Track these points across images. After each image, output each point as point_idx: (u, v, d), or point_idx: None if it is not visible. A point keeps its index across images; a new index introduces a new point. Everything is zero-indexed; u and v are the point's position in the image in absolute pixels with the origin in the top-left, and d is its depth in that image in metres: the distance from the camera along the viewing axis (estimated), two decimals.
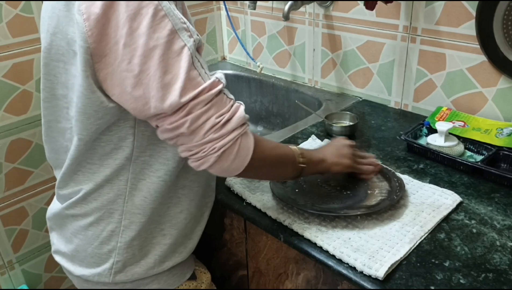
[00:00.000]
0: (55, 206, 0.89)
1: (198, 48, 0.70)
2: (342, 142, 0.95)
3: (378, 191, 0.91)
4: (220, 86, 0.69)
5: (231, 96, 0.72)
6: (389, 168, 0.99)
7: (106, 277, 0.83)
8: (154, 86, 0.65)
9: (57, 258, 0.92)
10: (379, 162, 0.98)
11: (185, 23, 0.66)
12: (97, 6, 0.62)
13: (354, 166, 0.93)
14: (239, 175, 0.75)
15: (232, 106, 0.71)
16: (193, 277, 0.94)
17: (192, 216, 0.88)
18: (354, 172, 0.94)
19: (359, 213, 0.84)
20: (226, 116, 0.69)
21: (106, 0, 0.62)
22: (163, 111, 0.66)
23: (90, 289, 0.89)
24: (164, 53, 0.64)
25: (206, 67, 0.70)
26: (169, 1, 0.65)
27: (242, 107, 0.72)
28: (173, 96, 0.65)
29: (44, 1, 0.74)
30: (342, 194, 0.93)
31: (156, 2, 0.63)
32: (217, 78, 0.69)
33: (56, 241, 0.91)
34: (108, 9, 0.62)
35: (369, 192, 0.92)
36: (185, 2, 0.75)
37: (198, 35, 0.69)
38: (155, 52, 0.63)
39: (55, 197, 0.90)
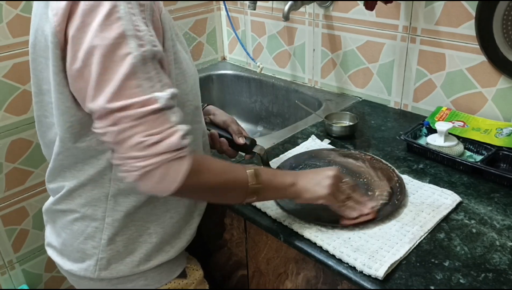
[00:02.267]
0: (48, 200, 0.91)
1: (159, 59, 0.68)
2: (329, 171, 0.83)
3: (379, 193, 0.91)
4: (155, 105, 0.64)
5: (173, 119, 0.67)
6: (389, 165, 0.99)
7: (92, 273, 0.84)
8: (91, 84, 0.64)
9: (49, 251, 0.94)
10: (375, 213, 0.84)
11: (140, 31, 0.64)
12: (63, 2, 0.63)
13: (330, 200, 0.82)
14: (176, 196, 0.70)
15: (167, 129, 0.65)
16: (183, 275, 0.94)
17: (181, 216, 0.88)
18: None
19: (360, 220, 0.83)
20: (155, 138, 0.64)
21: None
22: (93, 111, 0.65)
23: (80, 287, 0.91)
24: (106, 54, 0.62)
25: (159, 82, 0.66)
26: (132, 4, 0.64)
27: (179, 133, 0.66)
28: (102, 99, 0.63)
29: (33, 1, 0.75)
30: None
31: (115, 2, 0.62)
32: (155, 96, 0.65)
33: (49, 234, 0.93)
34: (72, 4, 0.63)
35: (369, 193, 0.92)
36: (183, 2, 0.74)
37: (155, 46, 0.66)
38: (97, 51, 0.63)
39: None
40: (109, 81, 0.63)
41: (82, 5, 0.62)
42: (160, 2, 0.72)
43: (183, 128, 0.67)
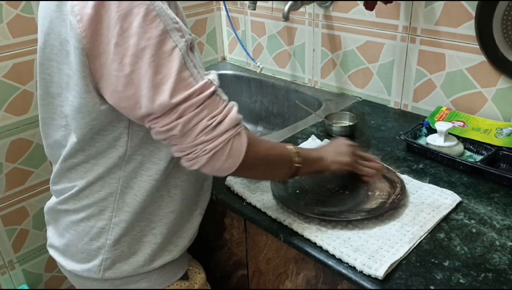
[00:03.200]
0: (51, 200, 0.90)
1: (191, 48, 0.70)
2: (342, 141, 0.94)
3: (379, 193, 0.91)
4: (212, 88, 0.68)
5: (225, 97, 0.72)
6: (390, 168, 0.99)
7: (96, 273, 0.84)
8: (145, 86, 0.65)
9: (51, 251, 0.93)
10: (383, 165, 0.97)
11: (177, 23, 0.66)
12: (89, 7, 0.63)
13: (354, 165, 0.92)
14: (232, 174, 0.75)
15: (225, 107, 0.70)
16: (185, 277, 0.94)
17: (182, 215, 0.89)
18: (355, 173, 0.93)
19: (359, 217, 0.84)
20: (218, 118, 0.68)
21: (98, 0, 0.62)
22: (153, 111, 0.66)
23: (83, 287, 0.90)
24: (155, 53, 0.64)
25: (200, 67, 0.69)
26: (162, 1, 0.65)
27: (235, 108, 0.72)
28: (163, 96, 0.65)
29: (39, 1, 0.75)
30: (343, 195, 0.93)
31: (148, 2, 0.63)
32: (209, 79, 0.69)
33: (51, 235, 0.93)
34: (100, 9, 0.63)
35: (369, 193, 0.92)
36: (183, 2, 0.75)
37: (190, 35, 0.69)
38: (146, 52, 0.63)
39: None
40: (166, 77, 0.65)
41: (115, 12, 0.62)
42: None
43: (235, 103, 0.72)
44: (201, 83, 0.67)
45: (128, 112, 0.69)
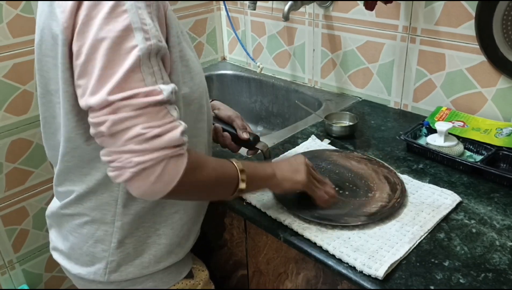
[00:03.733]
0: (53, 204, 0.90)
1: (162, 56, 0.67)
2: (299, 158, 0.87)
3: (379, 195, 0.91)
4: (159, 97, 0.62)
5: (175, 115, 0.65)
6: (391, 168, 0.99)
7: (101, 276, 0.84)
8: (94, 78, 0.61)
9: (55, 255, 0.93)
10: (335, 193, 0.90)
11: (146, 24, 0.63)
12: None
13: (308, 185, 0.85)
14: (166, 198, 0.66)
15: (169, 122, 0.63)
16: (190, 276, 0.94)
17: (189, 217, 0.88)
18: (307, 194, 0.88)
19: (359, 223, 0.83)
20: (156, 130, 0.61)
21: None
22: (90, 104, 0.62)
23: (87, 288, 0.90)
24: (112, 47, 0.61)
25: (161, 79, 0.65)
26: (141, 1, 0.63)
27: (181, 129, 0.64)
28: (103, 92, 0.60)
29: (40, 1, 0.75)
30: (343, 197, 0.93)
31: None
32: (159, 88, 0.63)
33: (54, 238, 0.92)
34: (79, 2, 0.62)
35: (369, 195, 0.92)
36: (183, 2, 0.74)
37: (161, 42, 0.65)
38: (103, 44, 0.61)
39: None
40: (113, 74, 0.61)
41: (87, 0, 0.61)
42: (166, 1, 0.71)
43: (183, 124, 0.66)
44: (149, 88, 0.62)
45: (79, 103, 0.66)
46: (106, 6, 0.61)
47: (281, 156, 1.08)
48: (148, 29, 0.63)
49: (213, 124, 0.98)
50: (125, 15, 0.61)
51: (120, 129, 0.61)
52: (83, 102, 0.63)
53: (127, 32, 0.61)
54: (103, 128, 0.61)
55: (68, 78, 0.68)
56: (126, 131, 0.61)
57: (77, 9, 0.63)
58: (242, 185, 0.76)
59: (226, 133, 0.98)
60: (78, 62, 0.63)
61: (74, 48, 0.64)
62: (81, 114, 0.71)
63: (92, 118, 0.63)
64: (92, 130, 0.64)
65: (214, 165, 0.74)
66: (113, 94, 0.60)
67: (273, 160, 0.97)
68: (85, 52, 0.62)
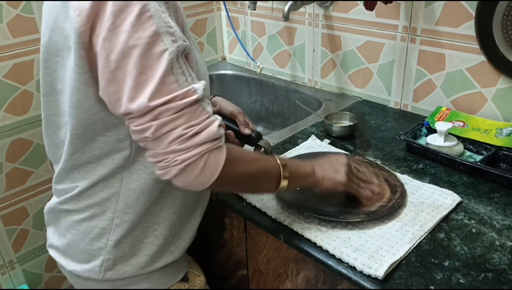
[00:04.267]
0: (51, 200, 0.90)
1: (186, 54, 0.69)
2: (342, 158, 0.88)
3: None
4: (195, 96, 0.65)
5: (209, 109, 0.68)
6: (392, 171, 0.99)
7: (96, 274, 0.84)
8: (128, 85, 0.64)
9: (51, 252, 0.93)
10: (381, 191, 0.90)
11: (171, 27, 0.65)
12: (88, 2, 0.63)
13: (349, 185, 0.86)
14: (209, 189, 0.71)
15: (206, 119, 0.67)
16: (185, 279, 0.94)
17: (183, 216, 0.89)
18: (351, 193, 0.89)
19: (358, 219, 0.84)
20: (196, 128, 0.65)
21: None
22: (131, 112, 0.64)
23: (82, 287, 0.90)
24: (143, 54, 0.63)
25: (190, 76, 0.67)
26: (159, 3, 0.65)
27: (217, 122, 0.68)
28: (143, 98, 0.63)
29: (40, 1, 0.75)
30: (343, 196, 0.93)
31: (144, 2, 0.63)
32: (193, 87, 0.66)
33: (51, 235, 0.92)
34: (97, 4, 0.63)
35: None
36: (183, 2, 0.74)
37: (185, 41, 0.67)
38: (134, 51, 0.62)
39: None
40: (149, 79, 0.63)
41: (110, 6, 0.62)
42: (178, 1, 0.72)
43: (219, 117, 0.69)
44: (183, 89, 0.65)
45: (110, 107, 0.69)
46: (132, 13, 0.62)
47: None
48: (174, 31, 0.65)
49: None
50: (151, 21, 0.63)
51: (164, 132, 0.64)
52: (121, 108, 0.65)
53: (155, 37, 0.63)
54: (147, 134, 0.65)
55: (86, 81, 0.69)
56: (169, 134, 0.64)
57: (95, 13, 0.63)
58: (284, 182, 0.79)
59: (229, 131, 0.99)
60: (106, 69, 0.64)
61: (101, 55, 0.64)
62: (97, 115, 0.72)
63: (135, 126, 0.66)
64: (135, 136, 0.68)
65: (254, 158, 0.77)
66: (153, 100, 0.63)
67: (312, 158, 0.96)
68: (114, 59, 0.63)
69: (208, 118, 0.67)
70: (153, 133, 0.64)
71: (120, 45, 0.62)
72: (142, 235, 0.84)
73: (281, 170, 0.78)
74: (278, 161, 0.79)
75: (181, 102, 0.64)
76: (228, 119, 1.00)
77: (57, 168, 0.84)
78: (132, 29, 0.62)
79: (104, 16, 0.63)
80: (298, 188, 0.88)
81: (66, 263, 0.88)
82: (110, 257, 0.83)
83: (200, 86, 0.67)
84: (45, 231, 1.45)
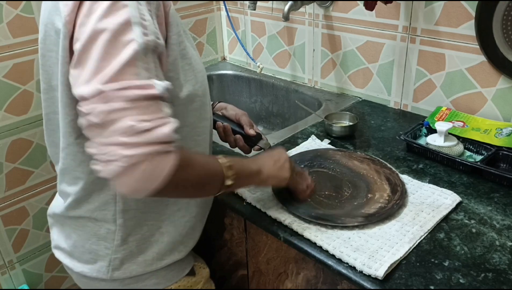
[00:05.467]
0: (56, 203, 0.90)
1: (159, 55, 0.67)
2: (282, 153, 0.88)
3: (379, 196, 0.91)
4: (152, 91, 0.62)
5: (167, 111, 0.64)
6: (393, 169, 0.98)
7: (104, 274, 0.84)
8: (88, 68, 0.61)
9: (57, 253, 0.93)
10: (313, 185, 0.92)
11: (145, 20, 0.64)
12: None
13: (293, 181, 0.87)
14: (152, 196, 0.64)
15: (160, 118, 0.62)
16: (192, 273, 0.94)
17: (192, 215, 0.88)
18: (290, 189, 0.90)
19: (356, 223, 0.83)
20: (147, 124, 0.60)
21: None
22: (84, 94, 0.61)
23: (90, 287, 0.90)
24: (110, 40, 0.61)
25: (155, 76, 0.64)
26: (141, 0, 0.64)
27: (173, 126, 0.63)
28: (96, 82, 0.60)
29: (40, 1, 0.75)
30: (343, 197, 0.93)
31: None
32: (154, 82, 0.63)
33: (56, 237, 0.92)
34: None
35: (369, 196, 0.92)
36: (183, 2, 0.74)
37: (159, 39, 0.66)
38: (102, 36, 0.61)
39: (56, 194, 0.91)
40: (108, 65, 0.60)
41: None
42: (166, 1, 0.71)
43: (176, 121, 0.64)
44: (142, 81, 0.61)
45: (72, 90, 0.66)
46: (108, 0, 0.61)
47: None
48: (147, 25, 0.64)
49: (222, 123, 1.00)
50: (125, 9, 0.62)
51: (110, 119, 0.59)
52: (75, 91, 0.63)
53: (126, 25, 0.61)
54: (92, 117, 0.60)
55: (67, 71, 0.67)
56: (116, 122, 0.59)
57: (79, 4, 0.63)
58: (228, 182, 0.75)
59: (238, 136, 0.99)
60: (76, 53, 0.63)
61: (76, 40, 0.63)
62: (76, 110, 0.69)
63: (81, 107, 0.62)
64: (81, 120, 0.63)
65: (202, 162, 0.73)
66: (106, 83, 0.60)
67: (254, 156, 0.95)
68: (82, 42, 0.62)
69: (163, 118, 0.62)
70: (97, 116, 0.59)
71: (89, 28, 0.61)
72: (148, 233, 0.84)
73: (224, 172, 0.74)
74: (221, 162, 0.75)
75: (135, 92, 0.60)
76: (233, 122, 1.01)
77: (58, 168, 0.84)
78: (104, 14, 0.61)
79: (85, 5, 0.63)
80: (245, 188, 0.89)
81: (73, 265, 0.88)
82: (117, 256, 0.83)
83: (161, 83, 0.63)
84: (46, 231, 1.46)
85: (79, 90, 0.62)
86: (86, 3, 0.62)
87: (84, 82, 0.61)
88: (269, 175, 0.83)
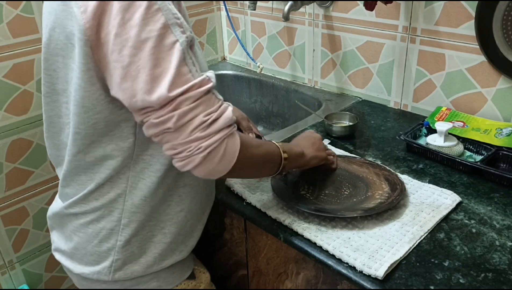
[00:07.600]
0: (56, 205, 0.89)
1: (191, 45, 0.69)
2: (314, 135, 0.97)
3: (378, 194, 0.91)
4: (209, 85, 0.68)
5: (220, 97, 0.71)
6: (392, 170, 0.99)
7: (106, 275, 0.84)
8: (143, 79, 0.64)
9: (57, 256, 0.92)
10: (330, 151, 1.02)
11: (178, 18, 0.66)
12: None
13: (328, 159, 0.97)
14: (224, 176, 0.73)
15: (220, 106, 0.69)
16: (192, 277, 0.94)
17: (193, 214, 0.88)
18: (324, 165, 0.98)
19: (355, 215, 0.84)
20: (214, 115, 0.67)
21: None
22: (150, 104, 0.65)
23: (90, 288, 0.89)
24: (156, 46, 0.63)
25: (198, 65, 0.69)
26: None
27: (230, 108, 0.70)
28: (162, 90, 0.63)
29: (41, 0, 0.75)
30: (342, 195, 0.93)
31: None
32: (207, 76, 0.68)
33: (56, 239, 0.92)
34: (103, 1, 0.63)
35: (369, 194, 0.92)
36: (184, 3, 0.75)
37: (191, 32, 0.69)
38: (147, 44, 0.63)
39: (56, 196, 0.91)
40: (165, 71, 0.64)
41: (117, 2, 0.62)
42: None
43: (228, 103, 0.71)
44: (199, 78, 0.66)
45: (126, 104, 0.68)
46: (141, 7, 0.62)
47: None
48: (181, 22, 0.66)
49: None
50: (160, 13, 0.64)
51: (186, 121, 0.65)
52: (138, 102, 0.65)
53: (165, 29, 0.64)
54: (169, 124, 0.65)
55: (90, 78, 0.68)
56: (191, 122, 0.65)
57: (102, 10, 0.63)
58: (285, 161, 0.83)
59: None
60: (119, 65, 0.64)
61: (112, 52, 0.64)
62: (100, 114, 0.72)
63: (155, 118, 0.66)
64: (153, 130, 0.67)
65: (258, 143, 0.81)
66: (172, 90, 0.64)
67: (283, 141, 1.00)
68: (127, 54, 0.63)
69: (221, 104, 0.69)
70: (175, 122, 0.65)
71: (132, 39, 0.63)
72: (150, 234, 0.84)
73: (281, 152, 0.83)
74: (276, 143, 0.84)
75: (198, 91, 0.66)
76: None
77: (62, 171, 0.84)
78: (142, 23, 0.62)
79: (112, 13, 0.63)
80: (290, 170, 0.95)
81: (74, 267, 0.87)
82: (119, 257, 0.83)
83: (212, 75, 0.69)
84: (46, 231, 1.46)
85: (141, 102, 0.65)
86: (115, 11, 0.62)
87: (146, 92, 0.64)
88: (312, 156, 0.92)
